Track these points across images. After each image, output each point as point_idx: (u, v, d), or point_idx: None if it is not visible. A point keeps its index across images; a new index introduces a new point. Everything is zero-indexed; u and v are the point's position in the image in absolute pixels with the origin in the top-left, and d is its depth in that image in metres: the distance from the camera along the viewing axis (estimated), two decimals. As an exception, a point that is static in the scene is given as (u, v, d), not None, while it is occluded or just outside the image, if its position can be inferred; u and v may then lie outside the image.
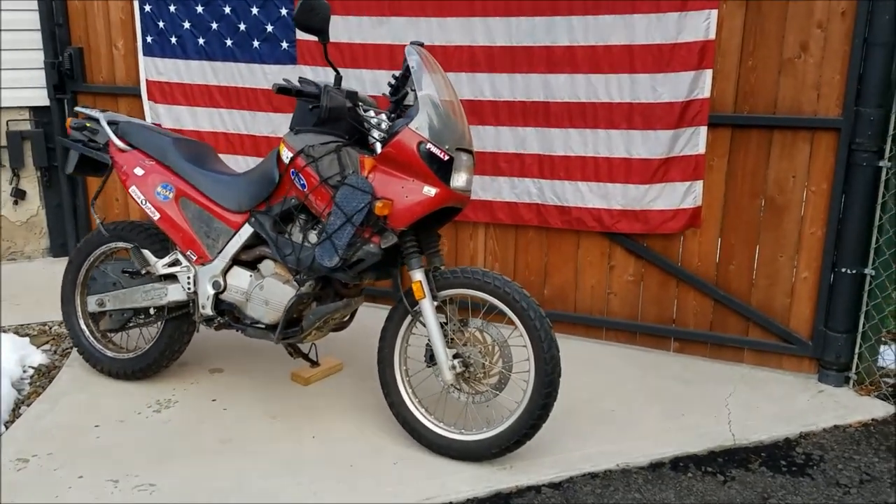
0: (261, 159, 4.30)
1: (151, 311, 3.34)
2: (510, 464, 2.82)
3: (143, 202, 3.15)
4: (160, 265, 3.17)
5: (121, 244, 3.28)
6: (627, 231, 3.75)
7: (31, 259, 5.10)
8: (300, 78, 2.93)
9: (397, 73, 2.83)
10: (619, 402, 3.34)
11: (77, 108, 3.40)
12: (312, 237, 2.91)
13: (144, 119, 4.58)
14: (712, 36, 3.43)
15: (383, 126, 2.79)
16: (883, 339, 3.55)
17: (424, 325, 2.82)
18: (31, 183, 5.00)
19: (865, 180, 3.33)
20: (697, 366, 3.74)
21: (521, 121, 3.81)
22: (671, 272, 3.77)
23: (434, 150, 2.67)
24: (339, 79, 2.85)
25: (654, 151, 3.60)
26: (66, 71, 4.74)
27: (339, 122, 2.81)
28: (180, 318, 3.25)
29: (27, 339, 3.66)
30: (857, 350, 3.48)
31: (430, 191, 2.70)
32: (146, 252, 3.20)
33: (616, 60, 3.58)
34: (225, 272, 3.08)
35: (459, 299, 2.88)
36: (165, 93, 4.51)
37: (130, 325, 3.35)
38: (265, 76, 4.26)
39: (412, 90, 2.83)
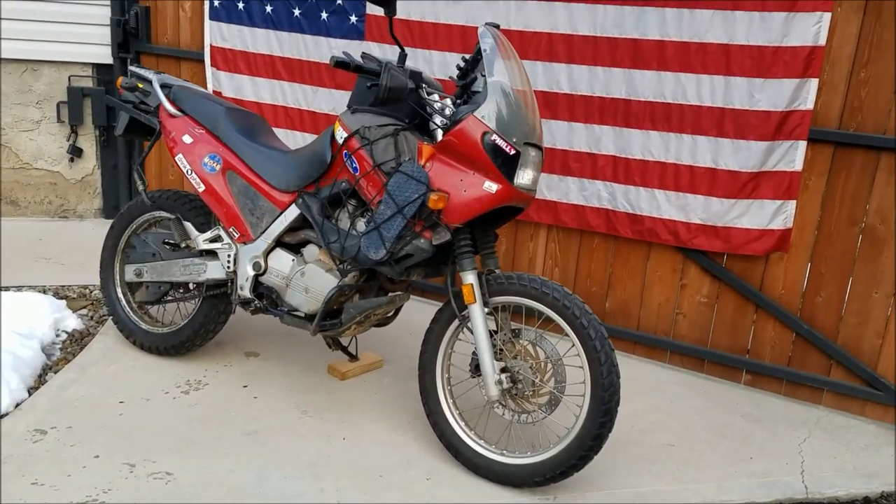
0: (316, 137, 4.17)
1: (190, 287, 3.19)
2: (554, 494, 2.56)
3: (189, 172, 2.97)
4: (201, 240, 2.99)
5: (163, 214, 3.12)
6: (706, 248, 3.43)
7: (82, 218, 5.02)
8: (363, 54, 2.70)
9: (468, 56, 2.58)
10: (678, 435, 3.04)
11: (131, 68, 3.24)
12: (360, 225, 2.69)
13: (206, 86, 4.43)
14: (822, 42, 3.07)
15: (447, 112, 2.54)
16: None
17: (472, 332, 2.57)
18: (88, 141, 4.91)
19: None
20: (769, 403, 3.40)
21: (598, 118, 3.51)
22: (750, 298, 3.43)
23: (500, 142, 2.41)
24: (403, 57, 2.61)
25: (745, 164, 3.27)
26: (132, 29, 4.62)
27: (399, 103, 2.57)
28: (218, 297, 3.08)
29: (64, 301, 3.54)
30: (954, 405, 3.10)
31: (492, 186, 2.44)
32: (188, 224, 3.03)
33: (710, 60, 3.25)
34: (267, 253, 2.88)
35: (514, 307, 2.62)
36: (228, 60, 4.35)
37: (167, 298, 3.20)
38: (330, 50, 4.05)
39: (482, 75, 2.58)
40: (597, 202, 3.59)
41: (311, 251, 2.82)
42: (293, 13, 4.10)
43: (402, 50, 2.60)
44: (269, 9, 4.16)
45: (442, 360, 2.71)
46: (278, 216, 2.85)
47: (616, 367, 2.42)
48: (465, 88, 2.59)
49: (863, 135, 3.11)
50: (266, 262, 2.88)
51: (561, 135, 3.59)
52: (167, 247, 3.13)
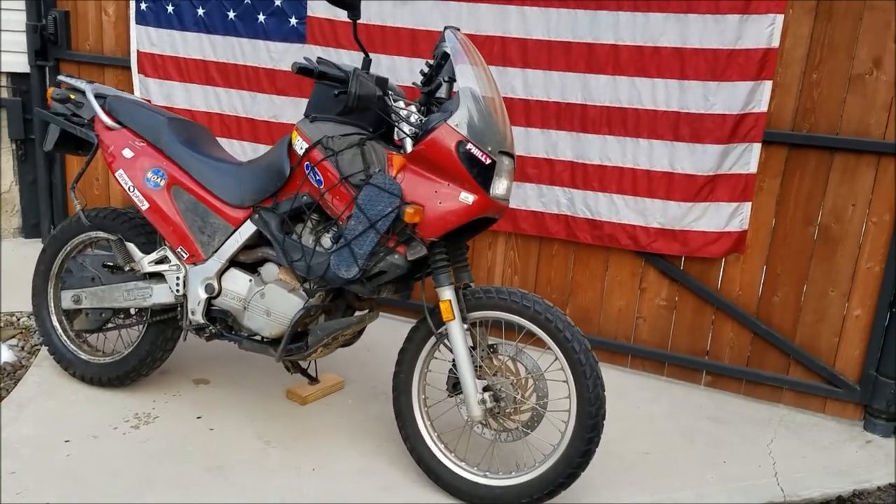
0: (258, 146, 3.97)
1: (132, 313, 2.96)
2: (540, 514, 2.47)
3: (131, 189, 2.75)
4: (146, 262, 2.77)
5: (100, 234, 2.88)
6: (664, 252, 3.42)
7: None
8: (318, 58, 2.53)
9: (430, 60, 2.46)
10: (651, 442, 3.00)
11: (60, 77, 2.99)
12: (326, 241, 2.54)
13: (133, 94, 4.16)
14: (776, 44, 3.10)
15: (413, 119, 2.42)
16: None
17: (450, 350, 2.46)
18: (4, 156, 4.55)
19: (935, 214, 3.03)
20: (732, 404, 3.41)
21: (554, 123, 3.46)
22: (708, 300, 3.44)
23: (475, 151, 2.31)
24: (368, 63, 2.48)
25: (701, 167, 3.27)
26: (50, 35, 4.30)
27: (366, 111, 2.43)
28: (165, 322, 2.86)
29: (-10, 334, 3.25)
30: (909, 398, 3.18)
31: (468, 198, 2.34)
32: (130, 246, 2.80)
33: (665, 64, 3.24)
34: (220, 274, 2.69)
35: (492, 321, 2.53)
36: (157, 66, 4.10)
37: (109, 326, 2.96)
38: (269, 54, 3.87)
39: (446, 81, 2.48)
40: (556, 208, 3.53)
41: (269, 270, 2.64)
42: (227, 16, 3.89)
43: (367, 55, 2.47)
44: (200, 12, 3.94)
45: (418, 380, 2.58)
46: (232, 234, 2.66)
47: (601, 379, 2.35)
48: (430, 95, 2.48)
49: (816, 136, 3.16)
50: (220, 283, 2.69)
51: (518, 141, 3.51)
52: (107, 270, 2.90)
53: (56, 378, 3.06)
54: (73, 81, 2.94)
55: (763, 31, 3.09)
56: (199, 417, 2.88)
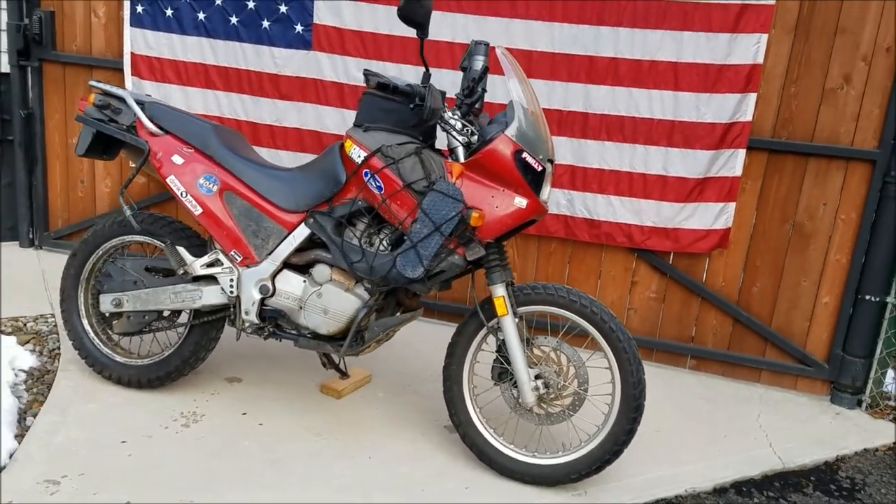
0: (259, 149, 4.05)
1: (165, 315, 3.03)
2: (583, 489, 2.73)
3: (184, 194, 2.82)
4: (198, 265, 2.85)
5: (148, 239, 2.94)
6: (657, 248, 3.74)
7: (-28, 242, 4.54)
8: (367, 70, 2.70)
9: (476, 74, 2.63)
10: (659, 422, 3.31)
11: (93, 83, 3.00)
12: (377, 243, 2.70)
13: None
14: (760, 60, 3.45)
15: (466, 130, 2.60)
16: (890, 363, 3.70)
17: (500, 342, 2.69)
18: (-20, 157, 4.45)
19: None
20: (716, 384, 3.77)
21: (556, 130, 3.71)
22: (694, 291, 3.78)
23: (529, 159, 2.53)
24: (427, 77, 2.65)
25: (692, 171, 3.60)
26: (35, 35, 4.23)
27: (429, 123, 2.62)
28: (209, 323, 2.95)
29: (14, 338, 3.22)
30: (871, 375, 3.60)
31: (522, 202, 2.56)
32: (181, 249, 2.87)
33: (661, 76, 3.55)
34: (274, 276, 2.81)
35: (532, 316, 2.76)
36: (154, 69, 4.11)
37: (151, 328, 3.01)
38: (274, 59, 3.95)
39: (483, 89, 2.68)
40: (555, 209, 3.79)
41: (321, 271, 2.78)
42: (230, 21, 3.96)
43: (428, 70, 2.64)
44: (201, 16, 3.98)
45: (468, 370, 2.78)
46: (286, 237, 2.78)
47: (642, 365, 2.62)
48: (471, 106, 2.67)
49: (793, 142, 3.54)
50: (273, 284, 2.81)
51: (520, 145, 3.75)
52: (149, 273, 2.96)
53: (88, 381, 3.08)
54: (108, 87, 2.96)
55: (750, 48, 3.44)
56: (244, 414, 2.99)
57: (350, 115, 3.91)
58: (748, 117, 3.52)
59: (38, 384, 3.05)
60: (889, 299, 3.52)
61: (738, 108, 3.50)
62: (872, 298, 3.53)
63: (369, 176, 2.64)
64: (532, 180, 2.55)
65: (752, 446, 3.19)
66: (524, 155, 2.52)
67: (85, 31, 4.25)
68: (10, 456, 2.54)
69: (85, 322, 3.08)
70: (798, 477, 3.02)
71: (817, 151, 3.52)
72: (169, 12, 4.01)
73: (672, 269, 3.79)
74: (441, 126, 2.61)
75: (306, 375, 3.35)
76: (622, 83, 3.59)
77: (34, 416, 2.80)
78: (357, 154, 2.66)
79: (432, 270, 2.59)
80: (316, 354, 3.48)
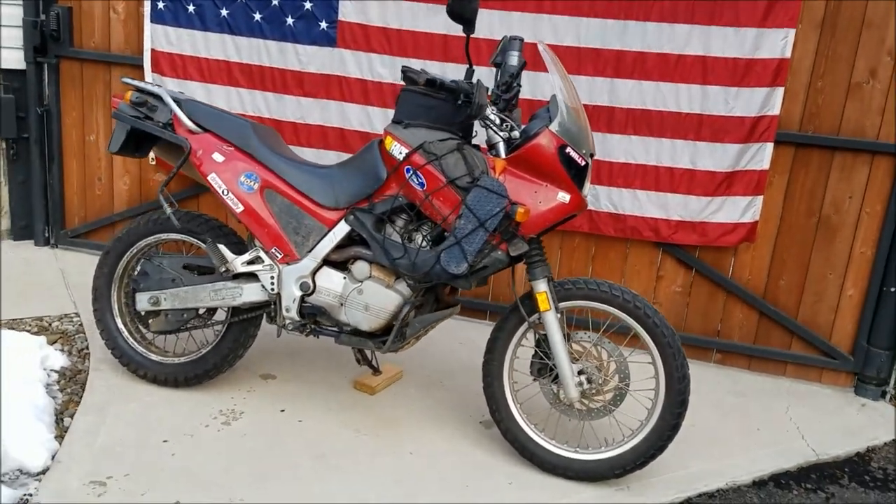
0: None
1: (203, 312, 3.02)
2: (626, 484, 2.74)
3: (225, 192, 2.81)
4: (239, 262, 2.84)
5: (187, 238, 2.92)
6: (684, 242, 3.75)
7: (-12, 241, 4.51)
8: (405, 67, 2.70)
9: (513, 69, 2.63)
10: (692, 416, 3.31)
11: (126, 80, 2.99)
12: (418, 239, 2.70)
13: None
14: (788, 54, 3.46)
15: (504, 124, 2.60)
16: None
17: (542, 338, 2.69)
18: (-4, 155, 4.41)
19: (921, 205, 3.48)
20: (743, 379, 3.79)
21: (582, 124, 3.71)
22: (720, 284, 3.80)
23: (573, 154, 2.54)
24: (471, 73, 2.65)
25: (721, 164, 3.61)
26: (52, 32, 4.19)
27: (467, 119, 2.62)
28: (248, 320, 2.94)
29: (44, 338, 3.20)
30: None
31: (565, 197, 2.57)
32: (222, 247, 2.86)
33: (688, 71, 3.55)
34: (314, 273, 2.80)
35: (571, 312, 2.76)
36: (176, 66, 4.08)
37: (187, 326, 3.00)
38: (298, 57, 3.93)
39: (519, 85, 2.69)
40: (582, 204, 3.79)
41: (361, 268, 2.77)
42: (253, 17, 3.94)
43: (471, 67, 2.64)
44: (224, 12, 3.96)
45: (508, 366, 2.79)
46: (326, 234, 2.78)
47: (686, 360, 2.63)
48: (509, 102, 2.68)
49: (819, 136, 3.56)
50: (314, 281, 2.80)
51: (546, 141, 3.75)
52: (188, 271, 2.94)
53: (122, 381, 3.07)
54: (142, 84, 2.95)
55: (777, 43, 3.45)
56: (282, 411, 2.98)
57: (373, 112, 3.90)
58: (776, 111, 3.53)
59: (71, 384, 3.03)
60: (915, 291, 3.56)
61: (766, 101, 3.51)
62: (899, 291, 3.57)
63: (411, 172, 2.63)
64: (575, 175, 2.56)
65: (785, 439, 3.22)
66: (568, 150, 2.53)
67: (103, 27, 4.21)
68: (53, 457, 2.52)
69: (118, 321, 3.06)
70: (833, 468, 3.04)
71: (843, 145, 3.54)
72: (191, 8, 3.99)
73: (698, 263, 3.80)
74: (482, 122, 2.61)
75: (337, 372, 3.34)
76: (650, 77, 3.60)
77: (71, 416, 2.79)
78: (398, 151, 2.65)
79: (475, 266, 2.59)
80: (343, 351, 3.48)
